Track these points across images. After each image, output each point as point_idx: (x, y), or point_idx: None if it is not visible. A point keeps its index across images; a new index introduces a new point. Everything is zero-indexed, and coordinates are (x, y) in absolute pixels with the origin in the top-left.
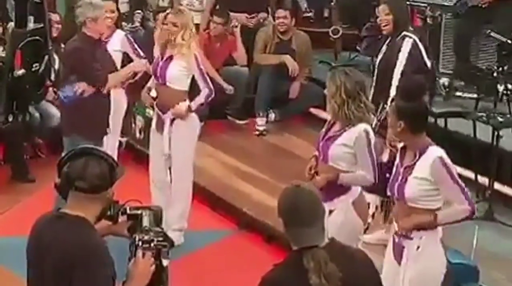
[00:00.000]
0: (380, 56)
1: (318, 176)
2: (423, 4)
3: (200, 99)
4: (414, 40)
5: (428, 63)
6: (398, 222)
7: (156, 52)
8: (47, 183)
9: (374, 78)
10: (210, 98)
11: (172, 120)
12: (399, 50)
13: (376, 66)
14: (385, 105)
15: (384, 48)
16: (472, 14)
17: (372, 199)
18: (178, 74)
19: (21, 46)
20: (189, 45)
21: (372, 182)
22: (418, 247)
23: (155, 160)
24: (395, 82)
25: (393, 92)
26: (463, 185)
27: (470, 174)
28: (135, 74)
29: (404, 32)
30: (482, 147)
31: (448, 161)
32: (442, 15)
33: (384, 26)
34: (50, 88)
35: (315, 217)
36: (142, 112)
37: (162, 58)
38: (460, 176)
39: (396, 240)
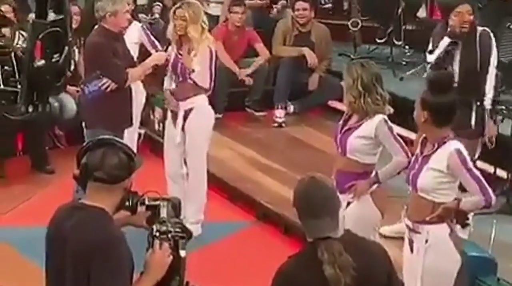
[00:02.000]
0: (456, 56)
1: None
2: None
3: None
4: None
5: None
6: (409, 215)
7: (173, 48)
8: (65, 174)
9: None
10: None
11: (186, 113)
12: (485, 46)
13: (456, 65)
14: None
15: (457, 47)
16: (493, 6)
17: None
18: (197, 70)
19: (41, 37)
20: (201, 39)
21: (407, 162)
22: (426, 241)
23: (169, 153)
24: (491, 77)
25: (489, 89)
26: (479, 176)
27: (489, 167)
28: (156, 66)
29: (479, 28)
30: (501, 140)
31: (465, 154)
32: None
33: (465, 26)
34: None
35: (329, 208)
36: (161, 104)
37: (180, 55)
38: (478, 169)
39: (406, 233)
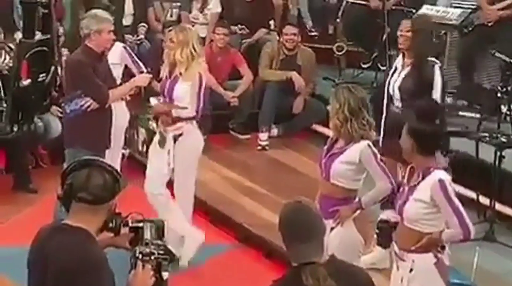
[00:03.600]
0: (400, 76)
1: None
2: None
3: (188, 113)
4: (441, 70)
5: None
6: (397, 242)
7: (165, 70)
8: (48, 193)
9: (398, 97)
10: (192, 119)
11: (175, 138)
12: (431, 77)
13: (397, 87)
14: None
15: (404, 69)
16: (478, 33)
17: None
18: (183, 95)
19: (28, 56)
20: (190, 64)
21: (391, 188)
22: (411, 270)
23: (151, 175)
24: None
25: None
26: (460, 209)
27: (471, 194)
28: (138, 87)
29: (431, 59)
30: (484, 167)
31: (447, 184)
32: (448, 33)
33: (403, 41)
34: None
35: (314, 233)
36: (145, 124)
37: (170, 77)
38: (461, 196)
39: (394, 260)
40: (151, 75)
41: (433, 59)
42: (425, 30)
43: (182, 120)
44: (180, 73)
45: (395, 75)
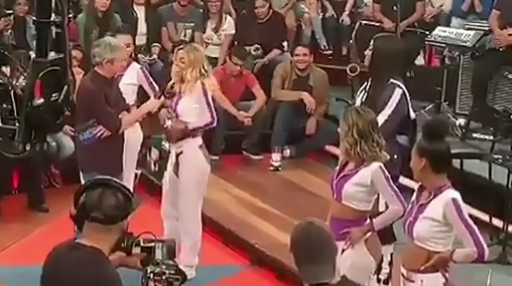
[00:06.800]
0: (362, 95)
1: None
2: (441, 45)
3: (200, 123)
4: (404, 92)
5: (412, 115)
6: (404, 264)
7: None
8: (60, 212)
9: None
10: (209, 126)
11: (177, 156)
12: (387, 97)
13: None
14: None
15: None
16: (491, 55)
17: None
18: (188, 109)
19: (41, 75)
20: (195, 83)
21: (403, 211)
22: None
23: (165, 194)
24: None
25: None
26: (474, 228)
27: (484, 216)
28: (150, 112)
29: (392, 80)
30: (497, 189)
31: (461, 203)
32: (461, 56)
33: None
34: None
35: (326, 254)
36: (158, 145)
37: (178, 93)
38: (474, 218)
39: (401, 283)
40: (162, 100)
41: (397, 81)
42: (385, 49)
43: (182, 138)
44: (183, 91)
45: (362, 92)
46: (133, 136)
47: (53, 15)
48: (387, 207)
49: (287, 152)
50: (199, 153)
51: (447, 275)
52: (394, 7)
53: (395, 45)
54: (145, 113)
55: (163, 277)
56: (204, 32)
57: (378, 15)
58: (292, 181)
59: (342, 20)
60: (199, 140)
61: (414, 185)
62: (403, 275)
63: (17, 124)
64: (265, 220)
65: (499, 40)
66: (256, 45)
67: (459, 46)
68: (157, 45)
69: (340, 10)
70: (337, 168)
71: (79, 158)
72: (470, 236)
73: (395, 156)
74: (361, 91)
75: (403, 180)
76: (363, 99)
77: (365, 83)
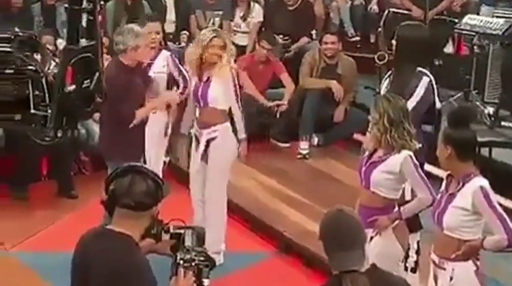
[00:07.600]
0: (386, 83)
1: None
2: (471, 33)
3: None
4: (430, 80)
5: (438, 105)
6: (435, 251)
7: (194, 74)
8: (89, 199)
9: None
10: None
11: (209, 141)
12: (414, 86)
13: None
14: None
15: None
16: None
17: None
18: (218, 96)
19: (73, 62)
20: (228, 67)
21: (432, 200)
22: (451, 278)
23: (193, 180)
24: None
25: None
26: (503, 215)
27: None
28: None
29: (419, 68)
30: None
31: (490, 191)
32: (490, 44)
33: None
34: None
35: (356, 241)
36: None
37: (200, 81)
38: (503, 206)
39: (432, 270)
40: (181, 93)
41: (423, 70)
42: (409, 37)
43: (216, 124)
44: (213, 76)
45: (387, 80)
46: (158, 123)
47: (84, 2)
48: (413, 195)
49: (315, 140)
50: (232, 136)
51: (478, 263)
52: None
53: (419, 33)
54: (162, 105)
55: (193, 264)
56: (232, 20)
57: (407, 3)
58: (319, 169)
59: (371, 8)
60: (229, 124)
61: (439, 172)
62: (434, 262)
63: (49, 111)
64: (293, 207)
65: None
66: (283, 36)
67: (489, 35)
68: (185, 33)
69: None
70: (366, 154)
71: (101, 148)
72: (500, 223)
73: (421, 144)
74: (386, 79)
75: (427, 167)
76: (388, 86)
77: (389, 71)
